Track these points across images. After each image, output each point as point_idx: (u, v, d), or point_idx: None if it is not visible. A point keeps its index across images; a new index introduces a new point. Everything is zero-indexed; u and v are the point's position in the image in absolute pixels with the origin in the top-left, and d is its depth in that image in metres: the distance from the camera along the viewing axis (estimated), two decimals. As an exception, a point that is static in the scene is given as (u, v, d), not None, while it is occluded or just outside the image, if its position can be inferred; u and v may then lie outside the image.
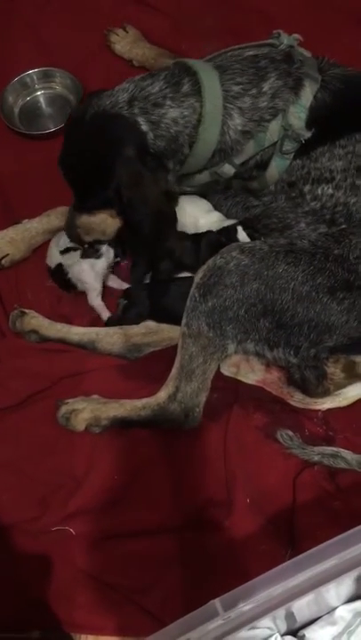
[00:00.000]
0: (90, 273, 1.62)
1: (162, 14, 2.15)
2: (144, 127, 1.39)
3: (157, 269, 1.53)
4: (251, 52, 1.48)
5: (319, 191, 1.43)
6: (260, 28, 1.82)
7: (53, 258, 1.68)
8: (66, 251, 1.65)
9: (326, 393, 1.43)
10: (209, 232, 1.53)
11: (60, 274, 1.66)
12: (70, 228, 1.59)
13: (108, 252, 1.64)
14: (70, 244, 1.65)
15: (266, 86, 1.43)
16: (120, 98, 1.40)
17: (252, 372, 1.53)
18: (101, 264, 1.63)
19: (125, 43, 2.05)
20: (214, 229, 1.55)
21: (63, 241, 1.66)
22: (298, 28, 1.70)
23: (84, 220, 1.53)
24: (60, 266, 1.66)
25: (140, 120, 1.39)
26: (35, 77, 2.06)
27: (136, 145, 1.38)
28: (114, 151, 1.38)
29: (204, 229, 1.57)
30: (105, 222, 1.52)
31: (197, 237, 1.54)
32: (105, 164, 1.38)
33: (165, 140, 1.41)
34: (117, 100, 1.40)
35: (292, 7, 2.12)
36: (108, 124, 1.39)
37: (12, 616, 1.31)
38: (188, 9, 2.16)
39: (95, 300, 1.64)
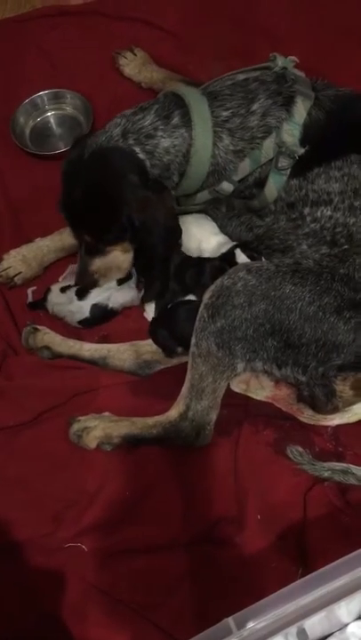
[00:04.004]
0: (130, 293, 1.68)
1: (169, 35, 2.18)
2: (141, 155, 1.44)
3: (166, 289, 1.55)
4: (243, 76, 1.52)
5: (318, 213, 1.45)
6: (266, 48, 1.84)
7: (79, 314, 1.66)
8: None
9: (335, 410, 1.44)
10: (211, 259, 1.55)
11: (97, 314, 1.67)
12: (85, 277, 1.59)
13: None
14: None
15: (255, 106, 1.47)
16: (114, 132, 1.45)
17: (261, 389, 1.54)
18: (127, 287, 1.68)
19: (134, 65, 2.09)
20: (218, 253, 1.57)
21: (55, 295, 1.67)
22: (303, 47, 1.74)
23: (98, 263, 1.55)
24: (94, 307, 1.66)
25: (137, 149, 1.44)
26: (45, 98, 2.09)
27: (137, 171, 1.43)
28: (119, 180, 1.42)
29: (207, 252, 1.59)
30: (118, 259, 1.55)
31: (200, 262, 1.56)
32: (113, 194, 1.42)
33: (159, 169, 1.47)
34: (112, 134, 1.45)
35: (297, 27, 2.15)
36: (108, 156, 1.44)
37: (25, 632, 1.32)
38: (194, 30, 2.19)
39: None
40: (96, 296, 1.65)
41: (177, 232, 1.55)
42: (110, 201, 1.43)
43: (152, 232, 1.44)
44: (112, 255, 1.54)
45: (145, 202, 1.42)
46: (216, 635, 0.91)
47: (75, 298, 1.65)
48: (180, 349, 1.50)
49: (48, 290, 1.69)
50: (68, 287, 1.66)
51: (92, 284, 1.61)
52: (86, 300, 1.65)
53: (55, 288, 1.68)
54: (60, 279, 1.72)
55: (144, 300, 1.64)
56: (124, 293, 1.68)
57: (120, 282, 1.65)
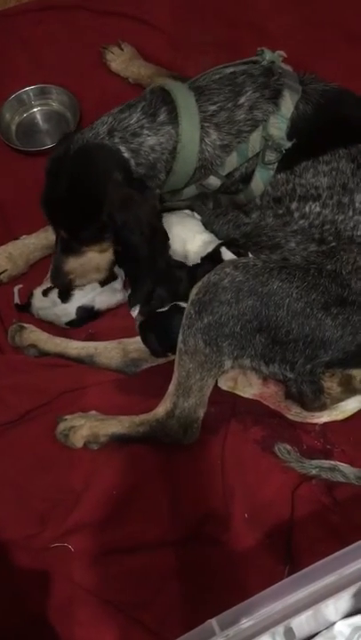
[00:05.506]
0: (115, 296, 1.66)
1: (157, 30, 2.16)
2: (126, 154, 1.43)
3: (153, 292, 1.52)
4: (230, 70, 1.52)
5: (307, 209, 1.45)
6: (254, 43, 1.83)
7: (65, 317, 1.65)
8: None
9: (323, 407, 1.44)
10: (202, 264, 1.53)
11: (84, 315, 1.65)
12: (59, 277, 1.56)
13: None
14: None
15: (242, 99, 1.46)
16: (100, 130, 1.44)
17: (249, 386, 1.54)
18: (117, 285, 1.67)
19: (121, 61, 2.08)
20: (203, 253, 1.54)
21: (39, 300, 1.65)
22: (292, 43, 1.74)
23: (73, 263, 1.53)
24: (80, 309, 1.64)
25: (122, 148, 1.43)
26: (31, 94, 2.08)
27: (122, 170, 1.42)
28: (102, 177, 1.41)
29: (192, 252, 1.56)
30: (94, 259, 1.53)
31: (192, 268, 1.54)
32: (95, 191, 1.41)
33: (145, 168, 1.46)
34: (98, 131, 1.44)
35: (286, 23, 2.14)
36: (94, 153, 1.43)
37: (12, 633, 1.31)
38: (183, 25, 2.17)
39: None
40: (80, 298, 1.63)
41: (161, 232, 1.52)
42: (91, 197, 1.42)
43: (135, 231, 1.42)
44: (87, 256, 1.52)
45: (127, 200, 1.41)
46: (200, 636, 0.90)
47: (58, 301, 1.63)
48: (169, 354, 1.49)
49: (31, 294, 1.67)
50: (50, 289, 1.64)
51: (66, 285, 1.59)
52: (71, 302, 1.63)
53: (37, 292, 1.66)
54: (44, 281, 1.70)
55: (130, 304, 1.62)
56: (109, 296, 1.66)
57: (102, 283, 1.63)
